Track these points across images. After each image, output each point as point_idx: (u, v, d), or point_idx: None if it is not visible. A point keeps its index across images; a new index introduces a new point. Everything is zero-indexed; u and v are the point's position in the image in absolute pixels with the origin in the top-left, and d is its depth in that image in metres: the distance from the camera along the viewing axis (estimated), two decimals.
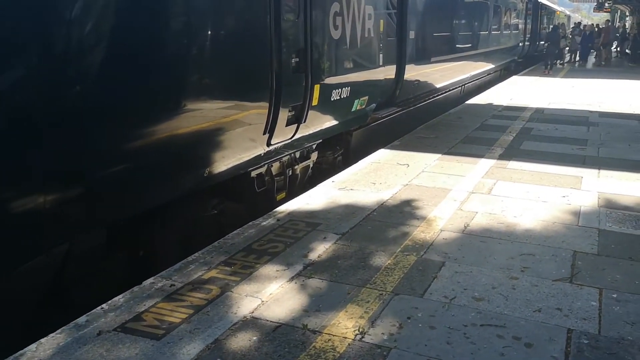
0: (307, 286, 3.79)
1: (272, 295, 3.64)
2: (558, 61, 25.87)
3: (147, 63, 3.74)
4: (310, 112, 5.84)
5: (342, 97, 6.57)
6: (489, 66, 17.30)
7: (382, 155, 7.63)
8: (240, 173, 5.18)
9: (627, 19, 45.00)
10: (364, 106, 7.40)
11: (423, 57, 9.89)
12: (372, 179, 6.46)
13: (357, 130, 7.90)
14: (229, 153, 4.78)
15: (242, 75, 4.75)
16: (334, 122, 6.71)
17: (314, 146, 6.63)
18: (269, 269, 4.03)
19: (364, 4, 6.88)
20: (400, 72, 8.72)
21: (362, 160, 7.33)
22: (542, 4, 29.14)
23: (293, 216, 5.16)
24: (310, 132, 6.13)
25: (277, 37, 5.05)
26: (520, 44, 23.15)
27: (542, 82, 18.12)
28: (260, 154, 5.34)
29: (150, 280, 3.77)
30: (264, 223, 4.94)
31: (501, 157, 7.70)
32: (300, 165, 6.30)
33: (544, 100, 13.72)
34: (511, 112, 11.67)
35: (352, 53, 6.70)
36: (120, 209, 3.82)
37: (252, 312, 3.42)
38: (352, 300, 3.61)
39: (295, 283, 3.83)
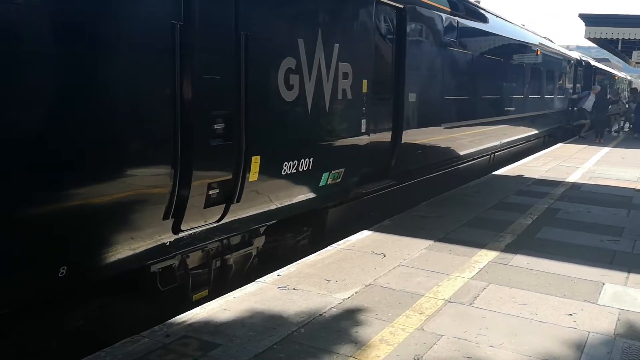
0: None
1: None
2: (613, 129, 24.02)
3: None
4: (246, 189, 4.70)
5: (300, 170, 5.41)
6: (528, 132, 15.80)
7: (358, 239, 6.35)
8: (130, 269, 4.04)
9: None
10: (338, 180, 6.20)
11: (430, 122, 8.65)
12: (329, 274, 5.19)
13: (334, 207, 6.68)
14: (103, 244, 3.67)
15: (124, 142, 3.69)
16: (292, 200, 5.53)
17: (262, 229, 5.44)
18: None
19: (337, 61, 5.79)
20: (396, 139, 7.52)
21: (331, 245, 6.07)
22: (597, 68, 27.46)
23: (191, 330, 3.94)
24: (250, 213, 4.97)
25: (187, 97, 3.99)
26: (570, 109, 21.52)
27: (589, 152, 16.43)
28: (165, 243, 4.20)
29: None
30: (143, 341, 3.74)
31: (508, 248, 6.27)
32: (236, 254, 5.11)
33: (584, 173, 12.13)
34: (541, 187, 10.17)
35: (315, 118, 5.57)
36: None
37: None
38: None
39: None
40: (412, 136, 8.00)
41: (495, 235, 6.78)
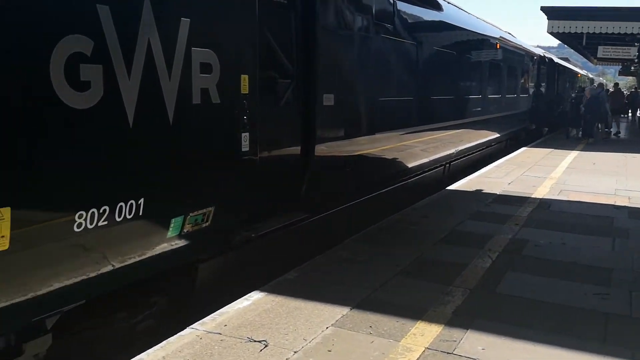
0: None
1: None
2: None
3: None
4: None
5: (120, 219, 3.35)
6: (489, 137, 14.03)
7: (238, 310, 4.29)
8: None
9: None
10: (206, 223, 4.15)
11: (359, 131, 6.66)
12: None
13: (207, 261, 4.62)
14: None
15: None
16: (108, 267, 3.45)
17: (49, 321, 3.34)
18: None
19: (187, 46, 3.74)
20: (307, 157, 5.52)
21: (192, 326, 4.00)
22: (559, 65, 26.07)
23: None
24: (4, 304, 2.87)
25: None
26: (534, 109, 19.93)
27: (556, 157, 14.73)
28: None
29: None
30: None
31: (456, 317, 4.31)
32: None
33: (553, 185, 10.34)
34: (503, 207, 8.30)
35: (146, 135, 3.51)
36: None
37: None
38: None
39: None
40: (332, 151, 6.01)
41: (440, 292, 4.82)
